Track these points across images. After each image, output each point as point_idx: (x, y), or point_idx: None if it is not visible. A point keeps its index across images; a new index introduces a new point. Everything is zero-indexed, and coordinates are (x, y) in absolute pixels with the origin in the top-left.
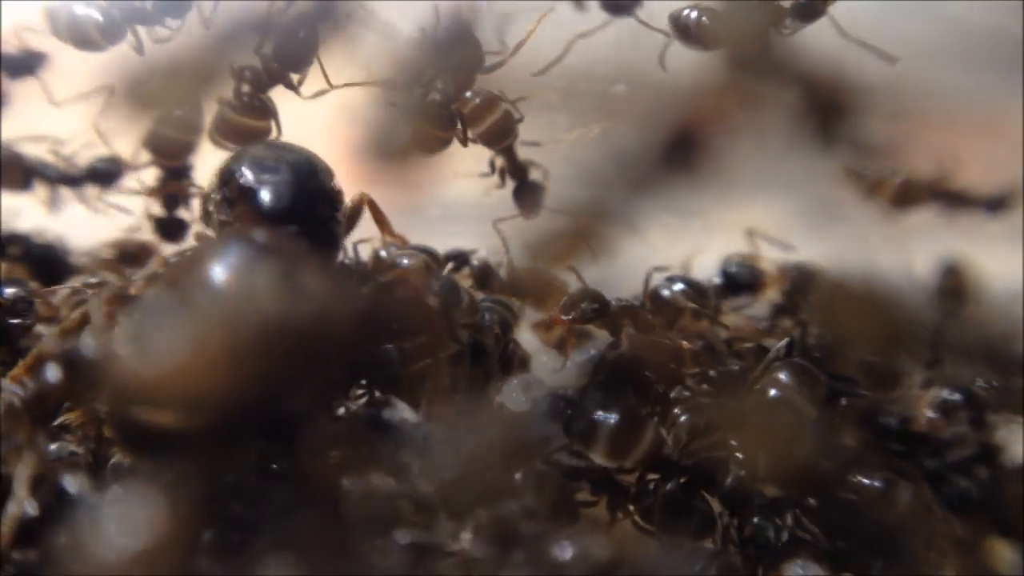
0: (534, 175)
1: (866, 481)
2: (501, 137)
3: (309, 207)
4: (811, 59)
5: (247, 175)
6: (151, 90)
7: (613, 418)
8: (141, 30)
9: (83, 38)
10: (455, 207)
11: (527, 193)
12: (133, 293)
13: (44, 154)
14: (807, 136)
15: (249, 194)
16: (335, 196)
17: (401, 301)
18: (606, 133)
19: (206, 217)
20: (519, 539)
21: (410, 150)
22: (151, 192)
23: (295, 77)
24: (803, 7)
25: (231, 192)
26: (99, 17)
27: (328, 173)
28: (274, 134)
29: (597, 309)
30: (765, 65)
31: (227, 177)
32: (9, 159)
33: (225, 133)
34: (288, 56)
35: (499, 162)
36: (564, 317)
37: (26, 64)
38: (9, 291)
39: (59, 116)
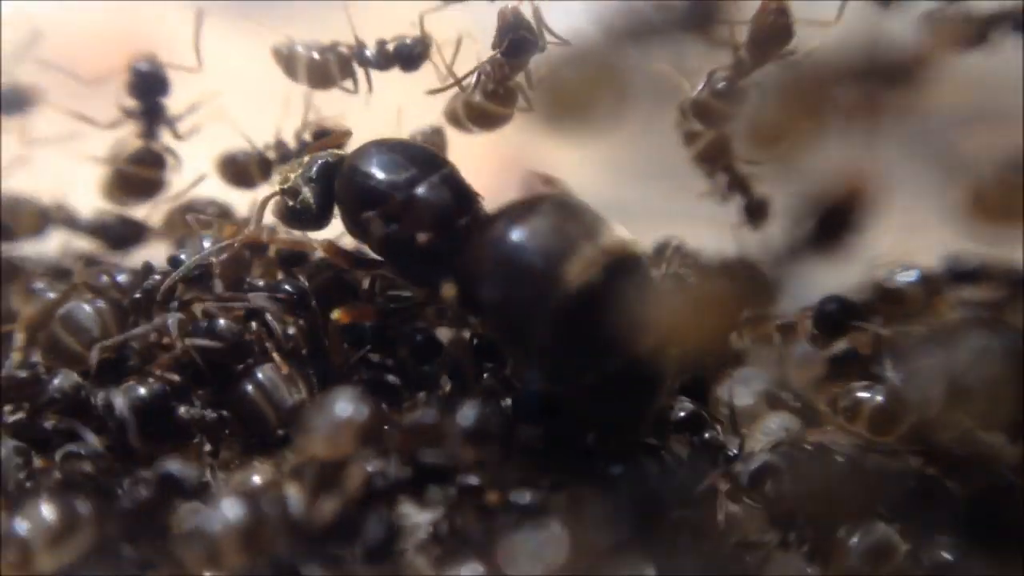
0: (759, 190)
1: None
2: (716, 156)
3: (463, 190)
4: None
5: (398, 185)
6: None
7: (878, 396)
8: None
9: None
10: None
11: (755, 210)
12: None
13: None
14: None
15: (416, 202)
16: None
17: None
18: None
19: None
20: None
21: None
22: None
23: None
24: None
25: (392, 208)
26: None
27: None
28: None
29: (849, 316)
30: None
31: (374, 196)
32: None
33: (473, 117)
34: None
35: (721, 179)
36: (816, 332)
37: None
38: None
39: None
